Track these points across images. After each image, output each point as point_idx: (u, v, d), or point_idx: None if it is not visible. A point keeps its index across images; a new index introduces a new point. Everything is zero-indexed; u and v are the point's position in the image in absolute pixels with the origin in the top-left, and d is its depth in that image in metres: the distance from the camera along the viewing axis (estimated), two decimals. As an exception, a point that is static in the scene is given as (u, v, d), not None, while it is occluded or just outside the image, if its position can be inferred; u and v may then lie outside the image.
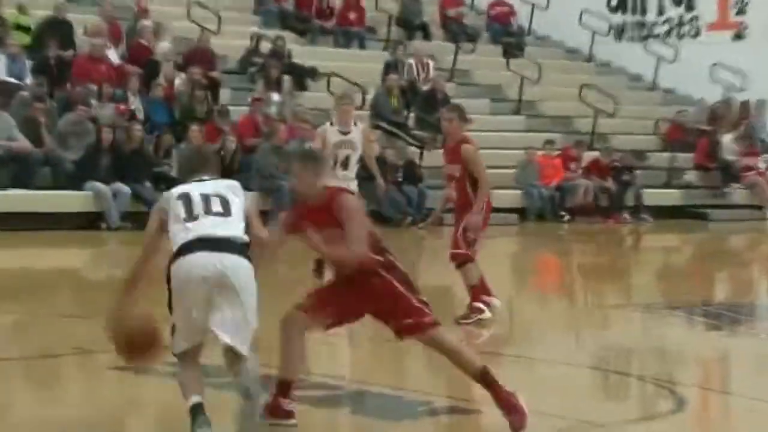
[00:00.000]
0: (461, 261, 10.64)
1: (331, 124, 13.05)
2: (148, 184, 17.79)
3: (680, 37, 26.43)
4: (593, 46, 26.41)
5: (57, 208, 16.56)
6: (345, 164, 12.67)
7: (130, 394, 8.20)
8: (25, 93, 17.83)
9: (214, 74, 20.39)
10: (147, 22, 20.62)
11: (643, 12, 26.99)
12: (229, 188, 6.77)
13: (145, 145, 18.16)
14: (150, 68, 19.63)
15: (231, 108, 19.92)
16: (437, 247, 19.47)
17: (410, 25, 24.98)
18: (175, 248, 6.51)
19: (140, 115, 18.76)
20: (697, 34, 26.37)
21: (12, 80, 18.08)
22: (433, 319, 6.89)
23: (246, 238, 6.59)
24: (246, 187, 18.36)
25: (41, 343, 9.17)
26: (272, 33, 22.44)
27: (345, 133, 12.71)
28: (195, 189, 6.65)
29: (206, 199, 6.58)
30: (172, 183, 17.61)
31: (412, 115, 21.81)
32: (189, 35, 21.16)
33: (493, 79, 24.48)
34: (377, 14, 24.95)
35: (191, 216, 6.52)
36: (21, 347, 9.40)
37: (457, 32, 25.12)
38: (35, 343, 9.21)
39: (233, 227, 6.54)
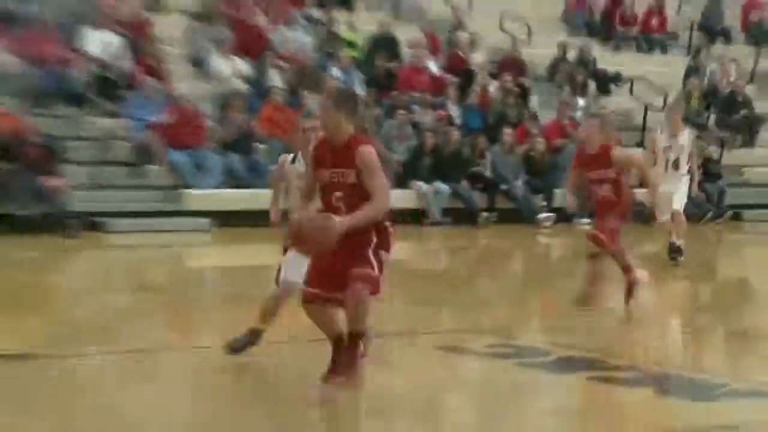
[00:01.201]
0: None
1: (661, 131, 13.99)
2: (464, 182, 18.19)
3: None
4: None
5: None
6: (676, 165, 13.66)
7: (454, 371, 8.56)
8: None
9: (525, 81, 20.60)
10: (463, 35, 20.99)
11: None
12: None
13: (462, 147, 18.53)
14: (466, 77, 19.98)
15: (540, 112, 20.12)
16: (738, 241, 19.31)
17: (712, 30, 24.56)
18: None
19: (457, 120, 19.15)
20: None
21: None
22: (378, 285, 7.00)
23: None
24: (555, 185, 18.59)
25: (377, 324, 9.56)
26: (578, 41, 22.51)
27: (674, 137, 13.63)
28: None
29: None
30: (487, 182, 18.24)
31: (712, 116, 21.49)
32: (502, 46, 21.44)
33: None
34: (679, 20, 24.63)
35: None
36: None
37: (759, 36, 24.53)
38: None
39: None
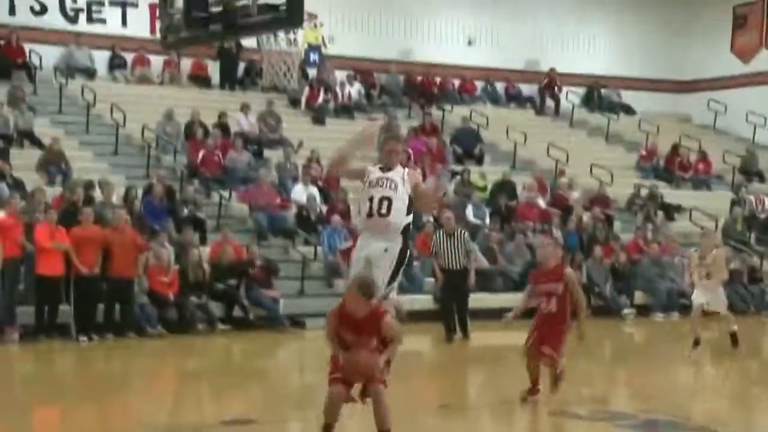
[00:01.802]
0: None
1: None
2: (567, 287, 17.75)
3: None
4: None
5: (508, 304, 16.67)
6: (708, 276, 13.11)
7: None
8: (486, 230, 18.32)
9: (609, 212, 20.22)
10: (564, 180, 20.79)
11: None
12: None
13: (564, 260, 18.11)
14: (566, 210, 19.71)
15: (621, 234, 19.68)
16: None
17: (749, 171, 23.82)
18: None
19: (560, 241, 18.78)
20: None
21: (477, 221, 18.63)
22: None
23: None
24: (634, 288, 17.76)
25: (497, 395, 9.28)
26: (648, 182, 22.05)
27: (703, 258, 13.08)
28: None
29: None
30: (583, 286, 17.69)
31: (753, 235, 20.71)
32: (592, 186, 21.13)
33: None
34: (724, 165, 23.97)
35: None
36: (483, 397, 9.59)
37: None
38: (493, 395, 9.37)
39: None
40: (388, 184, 7.08)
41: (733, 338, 13.27)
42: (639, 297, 18.20)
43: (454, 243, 14.03)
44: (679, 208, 21.28)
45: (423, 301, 15.94)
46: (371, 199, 7.03)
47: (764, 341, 17.32)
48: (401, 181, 7.09)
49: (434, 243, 14.55)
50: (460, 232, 14.26)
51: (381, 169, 7.21)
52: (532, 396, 8.88)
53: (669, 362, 13.36)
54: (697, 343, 13.00)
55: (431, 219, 17.69)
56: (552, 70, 25.18)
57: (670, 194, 21.93)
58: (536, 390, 8.91)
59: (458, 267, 14.01)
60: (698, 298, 13.11)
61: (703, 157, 23.70)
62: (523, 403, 8.75)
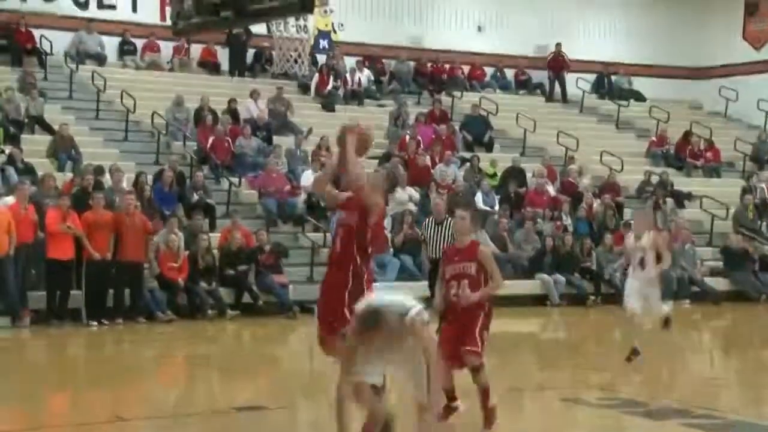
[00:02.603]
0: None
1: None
2: (576, 274, 17.76)
3: None
4: None
5: (517, 291, 16.76)
6: (642, 264, 10.63)
7: (572, 418, 8.21)
8: (495, 216, 18.30)
9: (619, 199, 20.15)
10: (574, 167, 20.73)
11: None
12: None
13: (574, 248, 18.14)
14: (576, 197, 19.66)
15: (630, 221, 19.60)
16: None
17: (761, 160, 23.71)
18: None
19: (570, 228, 18.79)
20: None
21: (487, 208, 18.61)
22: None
23: None
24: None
25: (508, 382, 9.30)
26: (659, 170, 21.98)
27: (639, 239, 10.70)
28: None
29: None
30: (593, 273, 17.75)
31: (764, 223, 20.63)
32: (602, 174, 21.08)
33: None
34: (735, 153, 23.87)
35: None
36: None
37: (797, 164, 23.62)
38: (504, 382, 9.38)
39: None
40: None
41: (666, 321, 10.97)
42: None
43: (443, 231, 13.54)
44: (689, 196, 21.21)
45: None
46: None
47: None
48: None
49: (423, 230, 14.40)
50: (450, 220, 13.61)
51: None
52: (448, 413, 6.83)
53: (679, 350, 13.34)
54: (635, 353, 10.59)
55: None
56: (558, 45, 24.92)
57: (680, 182, 21.85)
58: (453, 407, 6.94)
59: None
60: (631, 301, 10.66)
61: (712, 144, 23.61)
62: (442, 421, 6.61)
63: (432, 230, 13.87)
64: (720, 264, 19.18)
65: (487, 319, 7.02)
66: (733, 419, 8.22)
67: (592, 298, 17.64)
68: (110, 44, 21.26)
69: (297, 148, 18.78)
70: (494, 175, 20.01)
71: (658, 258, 10.51)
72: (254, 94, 20.07)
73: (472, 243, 7.13)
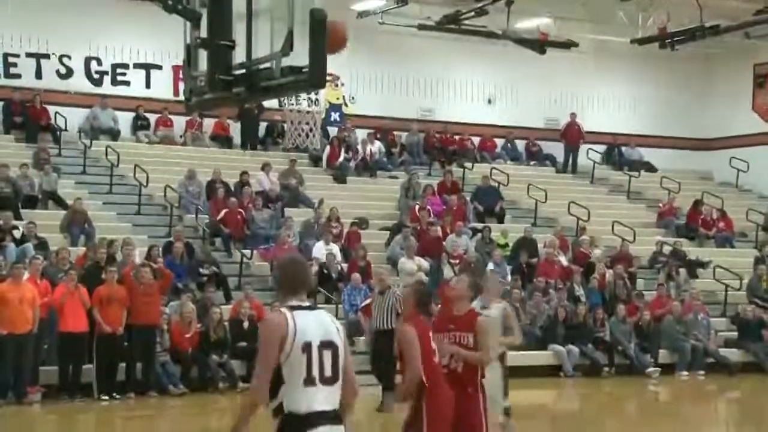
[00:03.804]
0: None
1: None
2: (590, 345, 17.68)
3: None
4: None
5: (531, 362, 16.66)
6: None
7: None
8: (507, 287, 18.25)
9: (632, 270, 20.13)
10: (585, 237, 20.77)
11: None
12: (335, 326, 4.54)
13: (587, 318, 18.08)
14: (588, 267, 19.64)
15: (645, 292, 19.60)
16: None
17: (773, 229, 23.74)
18: (287, 407, 4.34)
19: (583, 299, 18.74)
20: None
21: (501, 279, 18.56)
22: None
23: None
24: (658, 346, 17.97)
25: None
26: (671, 239, 22.00)
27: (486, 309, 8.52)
28: (312, 330, 4.41)
29: (320, 354, 4.39)
30: (607, 344, 17.68)
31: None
32: (613, 244, 21.09)
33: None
34: (748, 223, 23.90)
35: (309, 380, 4.35)
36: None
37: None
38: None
39: (338, 395, 4.45)
40: None
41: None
42: (663, 356, 18.08)
43: (385, 302, 13.02)
44: (703, 264, 21.16)
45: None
46: None
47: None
48: None
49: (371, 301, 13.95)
50: (392, 291, 13.14)
51: None
52: None
53: (694, 422, 13.24)
54: None
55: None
56: (573, 115, 25.12)
57: (693, 252, 21.84)
58: None
59: (386, 327, 12.66)
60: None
61: (724, 214, 23.65)
62: None
63: (376, 301, 13.33)
64: (734, 334, 19.09)
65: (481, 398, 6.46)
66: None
67: (607, 369, 17.54)
68: (124, 119, 21.58)
69: (312, 220, 18.83)
70: (505, 245, 20.06)
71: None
72: (266, 167, 20.30)
73: (470, 312, 6.66)
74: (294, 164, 20.79)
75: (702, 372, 17.78)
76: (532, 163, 25.33)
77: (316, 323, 4.42)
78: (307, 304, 4.54)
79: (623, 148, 26.20)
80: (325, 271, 17.33)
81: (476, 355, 6.48)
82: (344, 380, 4.44)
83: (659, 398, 17.00)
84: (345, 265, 17.75)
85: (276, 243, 17.70)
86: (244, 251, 17.41)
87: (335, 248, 17.93)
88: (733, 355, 18.55)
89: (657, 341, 18.20)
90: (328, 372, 4.36)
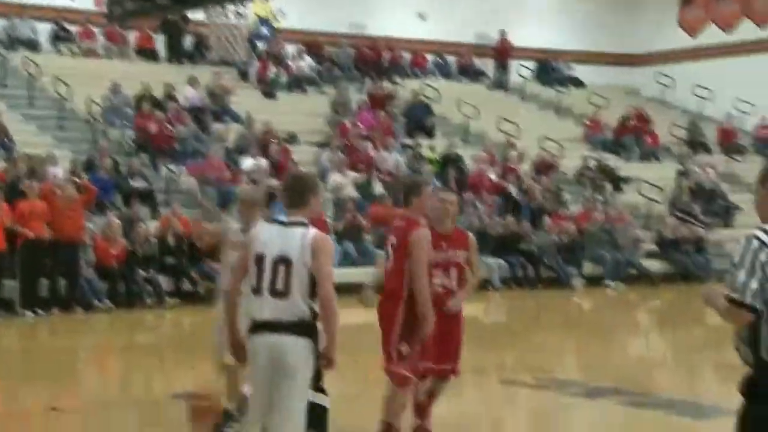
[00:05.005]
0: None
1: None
2: (517, 258, 17.85)
3: None
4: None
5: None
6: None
7: (512, 398, 8.23)
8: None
9: (559, 184, 20.28)
10: (514, 152, 20.84)
11: None
12: (300, 243, 4.58)
13: (515, 232, 18.16)
14: (516, 182, 19.73)
15: (571, 206, 19.84)
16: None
17: (695, 144, 24.10)
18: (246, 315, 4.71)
19: (510, 213, 18.84)
20: None
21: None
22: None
23: (306, 315, 4.58)
24: (582, 258, 18.17)
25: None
26: (597, 154, 22.22)
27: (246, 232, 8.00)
28: (270, 244, 4.59)
29: (274, 268, 4.55)
30: (533, 256, 17.88)
31: (699, 206, 20.96)
32: (542, 159, 21.17)
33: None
34: (671, 138, 24.24)
35: (257, 289, 4.60)
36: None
37: (730, 148, 24.02)
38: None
39: (293, 309, 4.57)
40: None
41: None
42: (588, 268, 18.38)
43: None
44: (627, 180, 21.46)
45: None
46: None
47: (707, 310, 17.58)
48: None
49: None
50: None
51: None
52: None
53: (616, 332, 13.54)
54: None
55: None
56: (503, 32, 25.04)
57: (618, 166, 22.11)
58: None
59: None
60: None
61: (650, 129, 23.94)
62: None
63: None
64: (656, 247, 19.47)
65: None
66: (667, 396, 8.36)
67: (532, 281, 17.79)
68: (44, 31, 20.84)
69: (238, 135, 18.59)
70: (436, 161, 20.05)
71: None
72: (193, 81, 19.84)
73: (460, 231, 6.48)
74: (221, 78, 20.36)
75: (625, 283, 18.15)
76: (463, 79, 25.23)
77: (279, 238, 4.59)
78: (286, 219, 4.67)
79: (554, 64, 26.23)
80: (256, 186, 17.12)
81: (473, 283, 6.36)
82: (318, 296, 4.54)
83: (583, 309, 17.35)
84: (275, 182, 17.54)
85: (204, 158, 17.41)
86: (171, 167, 17.09)
87: (264, 162, 17.70)
88: (655, 266, 18.96)
89: (582, 254, 18.48)
90: (279, 285, 4.51)
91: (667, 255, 19.16)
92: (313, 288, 4.55)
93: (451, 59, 25.42)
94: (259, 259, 4.58)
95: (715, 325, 14.62)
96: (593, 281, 18.05)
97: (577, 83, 26.09)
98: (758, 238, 3.33)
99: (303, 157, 18.91)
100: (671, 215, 20.08)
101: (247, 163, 17.57)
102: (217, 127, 19.11)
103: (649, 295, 17.85)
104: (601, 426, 7.31)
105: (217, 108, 19.80)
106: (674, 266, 19.04)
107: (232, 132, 18.89)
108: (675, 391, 8.67)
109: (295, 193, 4.72)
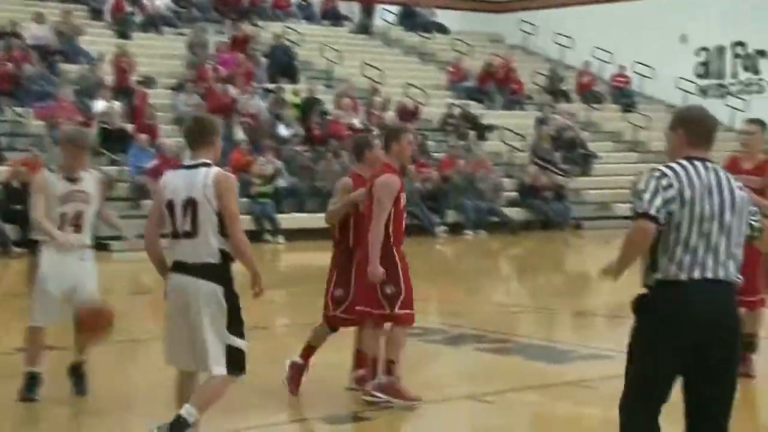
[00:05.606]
0: None
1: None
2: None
3: (749, 93, 25.25)
4: (686, 102, 25.44)
5: (320, 224, 16.66)
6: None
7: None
8: (290, 146, 18.18)
9: (423, 131, 20.40)
10: (378, 98, 20.80)
11: (721, 76, 25.91)
12: (203, 183, 4.71)
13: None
14: (380, 128, 19.70)
15: (435, 154, 19.97)
16: (579, 244, 19.22)
17: (556, 92, 24.60)
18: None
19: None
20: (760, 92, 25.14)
21: (287, 135, 18.48)
22: None
23: (215, 256, 4.72)
24: (446, 207, 18.49)
25: (302, 317, 9.21)
26: (461, 102, 22.40)
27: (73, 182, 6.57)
28: (177, 189, 4.75)
29: (184, 211, 4.72)
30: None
31: (560, 154, 21.46)
32: (406, 106, 21.23)
33: (614, 128, 23.89)
34: (533, 86, 24.65)
35: (173, 233, 4.80)
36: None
37: (589, 96, 24.64)
38: (298, 317, 9.27)
39: (202, 249, 4.71)
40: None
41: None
42: (451, 215, 18.59)
43: None
44: (491, 128, 21.74)
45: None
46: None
47: (567, 256, 18.14)
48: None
49: None
50: None
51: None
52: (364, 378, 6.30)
53: (476, 278, 13.75)
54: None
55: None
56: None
57: (482, 114, 22.37)
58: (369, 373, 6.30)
59: None
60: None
61: (513, 76, 24.27)
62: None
63: None
64: (517, 195, 19.84)
65: None
66: (526, 342, 8.52)
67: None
68: None
69: (89, 75, 17.86)
70: (298, 106, 19.81)
71: None
72: (38, 17, 18.89)
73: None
74: (70, 15, 19.46)
75: (486, 231, 18.43)
76: (326, 23, 24.93)
77: (183, 182, 4.76)
78: (191, 162, 4.85)
79: (418, 9, 26.21)
80: (109, 128, 16.54)
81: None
82: (229, 234, 4.72)
83: (446, 256, 17.56)
84: (130, 126, 16.99)
85: (52, 100, 16.65)
86: (16, 108, 16.29)
87: (117, 105, 17.09)
88: (516, 213, 19.33)
89: (445, 202, 18.65)
90: (187, 227, 4.73)
91: (528, 203, 19.56)
92: (224, 226, 4.73)
93: (315, 1, 25.07)
94: (170, 206, 4.78)
95: (573, 272, 15.07)
96: (456, 228, 18.27)
97: (441, 29, 26.18)
98: (660, 170, 3.77)
99: (159, 100, 18.36)
100: (531, 163, 20.49)
101: (99, 105, 16.93)
102: (66, 67, 18.32)
103: (510, 242, 18.20)
104: (463, 373, 7.39)
105: (65, 47, 18.95)
106: (534, 214, 19.47)
107: (82, 73, 18.15)
108: (534, 336, 8.85)
109: (197, 135, 4.86)
